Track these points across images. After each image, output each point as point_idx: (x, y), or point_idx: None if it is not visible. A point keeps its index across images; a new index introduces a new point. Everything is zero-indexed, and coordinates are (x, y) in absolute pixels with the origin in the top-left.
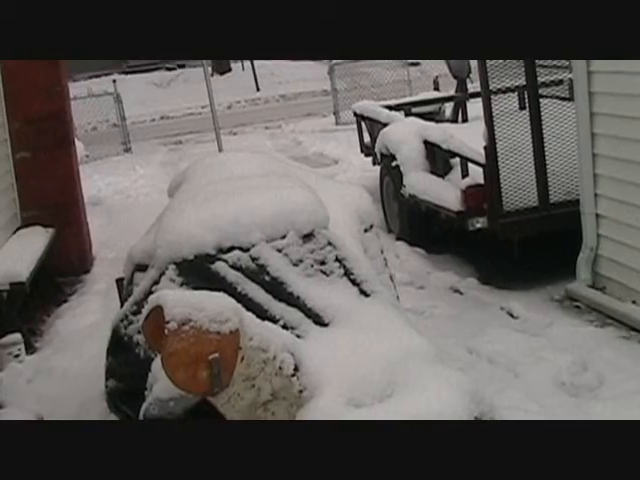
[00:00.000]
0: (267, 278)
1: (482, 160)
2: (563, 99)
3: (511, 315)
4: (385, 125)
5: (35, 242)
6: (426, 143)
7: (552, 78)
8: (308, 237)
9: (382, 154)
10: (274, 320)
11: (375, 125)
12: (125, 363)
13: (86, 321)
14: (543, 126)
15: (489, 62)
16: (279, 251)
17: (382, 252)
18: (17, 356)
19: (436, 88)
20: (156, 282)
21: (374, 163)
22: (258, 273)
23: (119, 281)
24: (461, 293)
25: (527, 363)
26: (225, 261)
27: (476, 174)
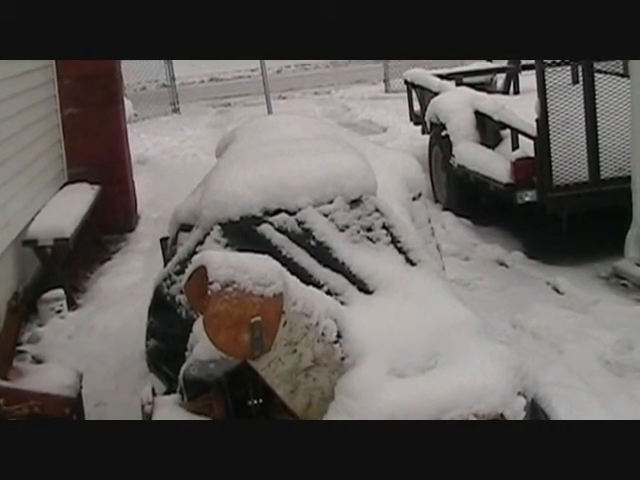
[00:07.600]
0: (312, 243)
1: (533, 133)
2: (617, 74)
3: (557, 290)
4: (436, 94)
5: (81, 199)
6: (477, 113)
7: None
8: (356, 203)
9: (432, 123)
10: (318, 285)
11: (426, 94)
12: (166, 323)
13: (129, 279)
14: (596, 101)
15: None
16: (326, 216)
17: (429, 221)
18: (59, 312)
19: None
20: (200, 242)
21: (423, 132)
22: (304, 237)
23: (163, 240)
24: (507, 266)
25: (572, 340)
26: (271, 224)
27: (526, 147)
